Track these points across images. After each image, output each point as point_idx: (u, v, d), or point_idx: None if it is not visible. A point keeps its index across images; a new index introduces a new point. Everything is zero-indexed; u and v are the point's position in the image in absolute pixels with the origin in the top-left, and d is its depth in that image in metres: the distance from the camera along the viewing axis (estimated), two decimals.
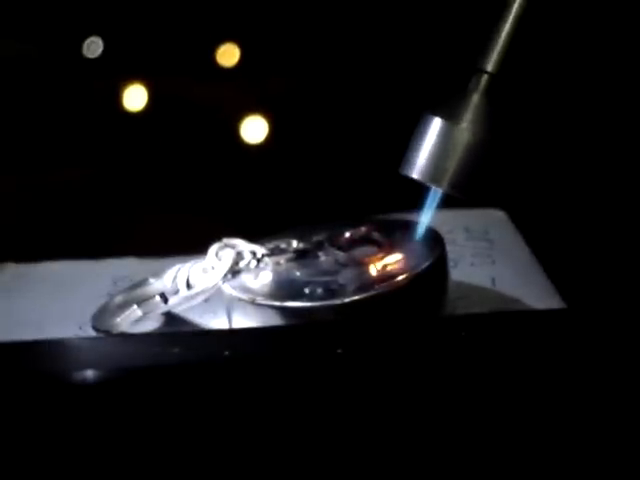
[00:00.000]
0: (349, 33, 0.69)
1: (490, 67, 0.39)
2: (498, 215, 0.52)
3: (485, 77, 0.39)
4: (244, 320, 0.39)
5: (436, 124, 0.38)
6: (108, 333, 0.41)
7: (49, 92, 0.68)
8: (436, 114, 0.39)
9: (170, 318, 0.42)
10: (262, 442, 0.33)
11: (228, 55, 0.71)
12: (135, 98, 0.70)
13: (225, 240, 0.40)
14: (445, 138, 0.38)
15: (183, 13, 0.70)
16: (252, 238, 0.41)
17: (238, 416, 0.33)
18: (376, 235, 0.41)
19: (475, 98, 0.39)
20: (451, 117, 0.38)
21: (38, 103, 0.68)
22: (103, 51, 0.69)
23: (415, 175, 0.39)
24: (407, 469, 0.33)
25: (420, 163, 0.39)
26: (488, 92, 0.39)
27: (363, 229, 0.42)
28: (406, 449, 0.33)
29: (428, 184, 0.39)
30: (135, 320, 0.41)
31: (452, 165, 0.38)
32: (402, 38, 0.68)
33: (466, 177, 0.39)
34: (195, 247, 0.42)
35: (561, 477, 0.34)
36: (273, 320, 0.38)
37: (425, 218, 0.40)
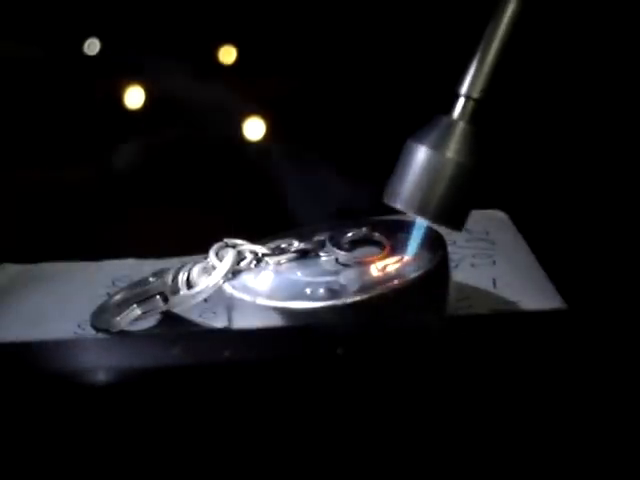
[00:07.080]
0: (349, 33, 0.69)
1: (476, 94, 0.38)
2: (499, 216, 0.52)
3: (471, 104, 0.38)
4: (244, 320, 0.38)
5: (421, 153, 0.38)
6: (107, 332, 0.40)
7: (49, 92, 0.68)
8: (421, 143, 0.38)
9: (170, 318, 0.42)
10: (262, 442, 0.33)
11: (228, 55, 0.71)
12: (135, 98, 0.70)
13: (226, 240, 0.40)
14: (431, 168, 0.37)
15: (184, 13, 0.70)
16: (253, 238, 0.41)
17: (237, 416, 0.33)
18: (377, 235, 0.41)
19: (461, 126, 0.38)
20: (437, 146, 0.37)
21: (38, 103, 0.68)
22: (103, 51, 0.69)
23: (400, 205, 0.38)
24: (407, 469, 0.33)
25: (405, 193, 0.38)
26: (473, 119, 0.38)
27: (364, 229, 0.42)
28: (406, 449, 0.33)
29: (413, 215, 0.38)
30: (134, 319, 0.41)
31: (438, 196, 0.37)
32: (402, 37, 0.68)
33: (452, 208, 0.38)
34: (195, 247, 0.42)
35: (561, 477, 0.34)
36: (274, 320, 0.37)
37: (412, 248, 0.39)
